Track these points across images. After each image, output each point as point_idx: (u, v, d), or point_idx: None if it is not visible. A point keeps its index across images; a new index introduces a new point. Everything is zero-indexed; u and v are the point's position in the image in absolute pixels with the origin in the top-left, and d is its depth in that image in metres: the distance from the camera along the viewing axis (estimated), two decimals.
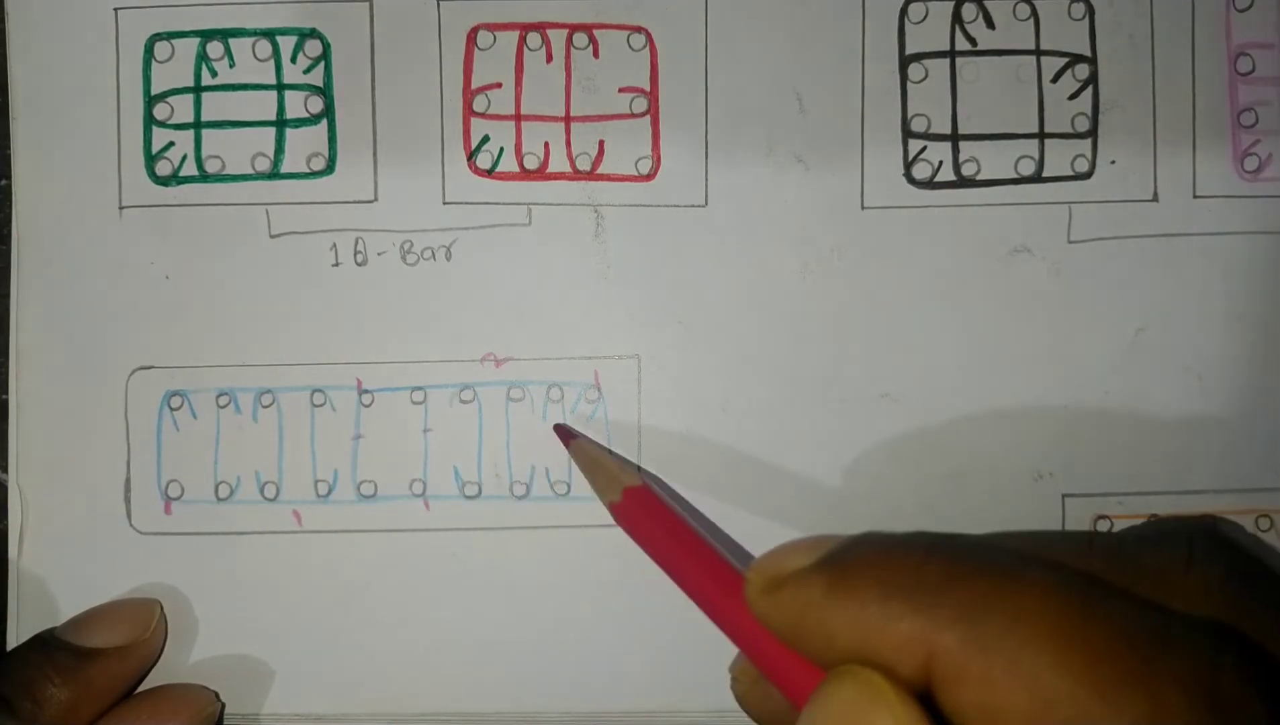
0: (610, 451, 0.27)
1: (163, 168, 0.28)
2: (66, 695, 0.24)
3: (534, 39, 0.28)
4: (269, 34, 0.28)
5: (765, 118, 0.28)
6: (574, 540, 0.28)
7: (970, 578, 0.17)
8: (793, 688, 0.19)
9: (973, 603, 0.16)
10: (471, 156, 0.28)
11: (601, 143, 0.28)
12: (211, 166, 0.28)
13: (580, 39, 0.28)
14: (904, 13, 0.28)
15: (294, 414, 0.28)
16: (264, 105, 0.28)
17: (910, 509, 0.28)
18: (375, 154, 0.28)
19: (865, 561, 0.18)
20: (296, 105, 0.28)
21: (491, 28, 0.28)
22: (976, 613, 0.16)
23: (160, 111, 0.28)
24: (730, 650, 0.21)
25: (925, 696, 0.17)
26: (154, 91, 0.28)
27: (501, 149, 0.28)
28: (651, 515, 0.23)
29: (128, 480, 0.28)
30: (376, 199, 0.28)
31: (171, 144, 0.28)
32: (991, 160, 0.28)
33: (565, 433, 0.27)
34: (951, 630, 0.16)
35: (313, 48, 0.28)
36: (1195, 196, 0.28)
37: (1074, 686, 0.15)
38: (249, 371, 0.28)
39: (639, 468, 0.27)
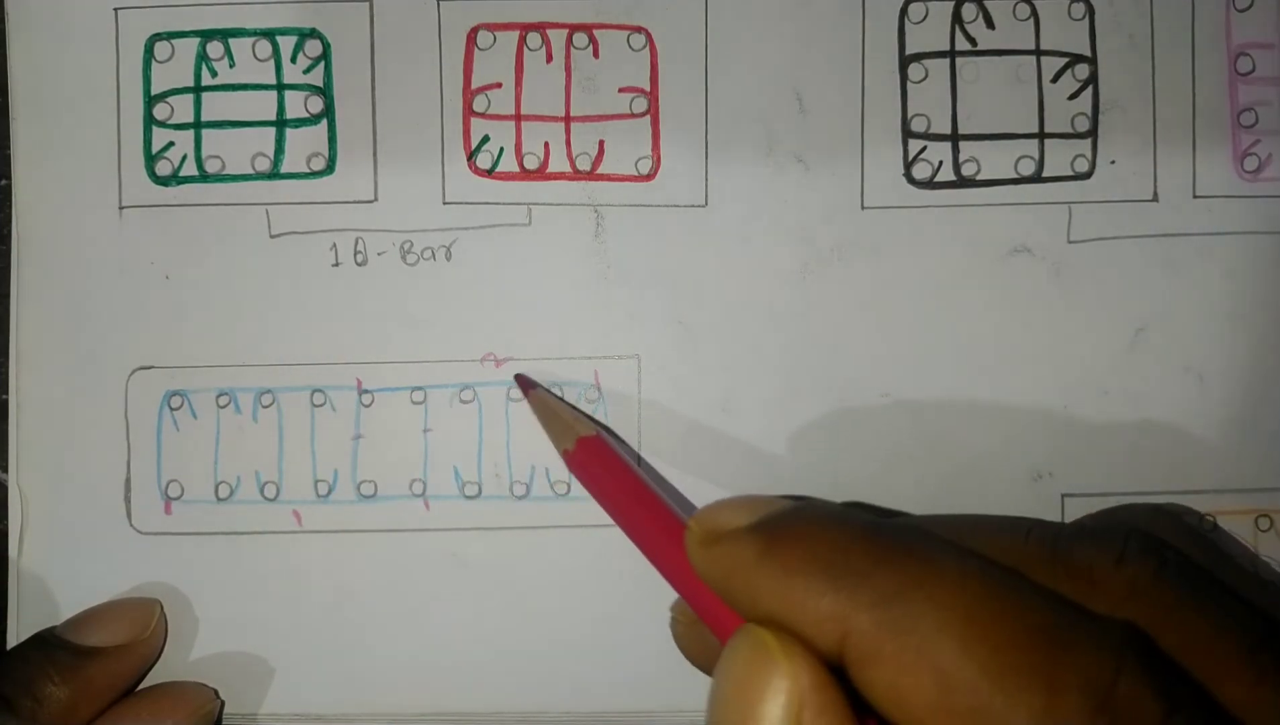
0: (568, 403, 0.27)
1: (163, 168, 0.28)
2: (66, 694, 0.24)
3: (534, 39, 0.28)
4: (269, 34, 0.28)
5: (765, 118, 0.28)
6: (574, 540, 0.28)
7: (892, 562, 0.17)
8: (723, 633, 0.19)
9: (891, 587, 0.17)
10: (471, 156, 0.28)
11: (601, 143, 0.28)
12: (211, 166, 0.28)
13: (580, 39, 0.28)
14: (904, 13, 0.28)
15: (294, 414, 0.28)
16: (264, 105, 0.28)
17: (910, 509, 0.28)
18: (375, 154, 0.28)
19: (797, 533, 0.18)
20: (296, 105, 0.28)
21: (491, 28, 0.28)
22: (893, 597, 0.17)
23: (160, 111, 0.28)
24: None
25: (841, 669, 0.17)
26: (154, 91, 0.28)
27: (501, 149, 0.28)
28: (603, 464, 0.24)
29: (128, 480, 0.28)
30: (376, 199, 0.28)
31: (171, 144, 0.28)
32: (991, 160, 0.28)
33: (525, 382, 0.27)
34: (868, 612, 0.17)
35: (313, 48, 0.28)
36: (1195, 196, 0.28)
37: (977, 676, 0.16)
38: (249, 371, 0.28)
39: (595, 421, 0.27)
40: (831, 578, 0.17)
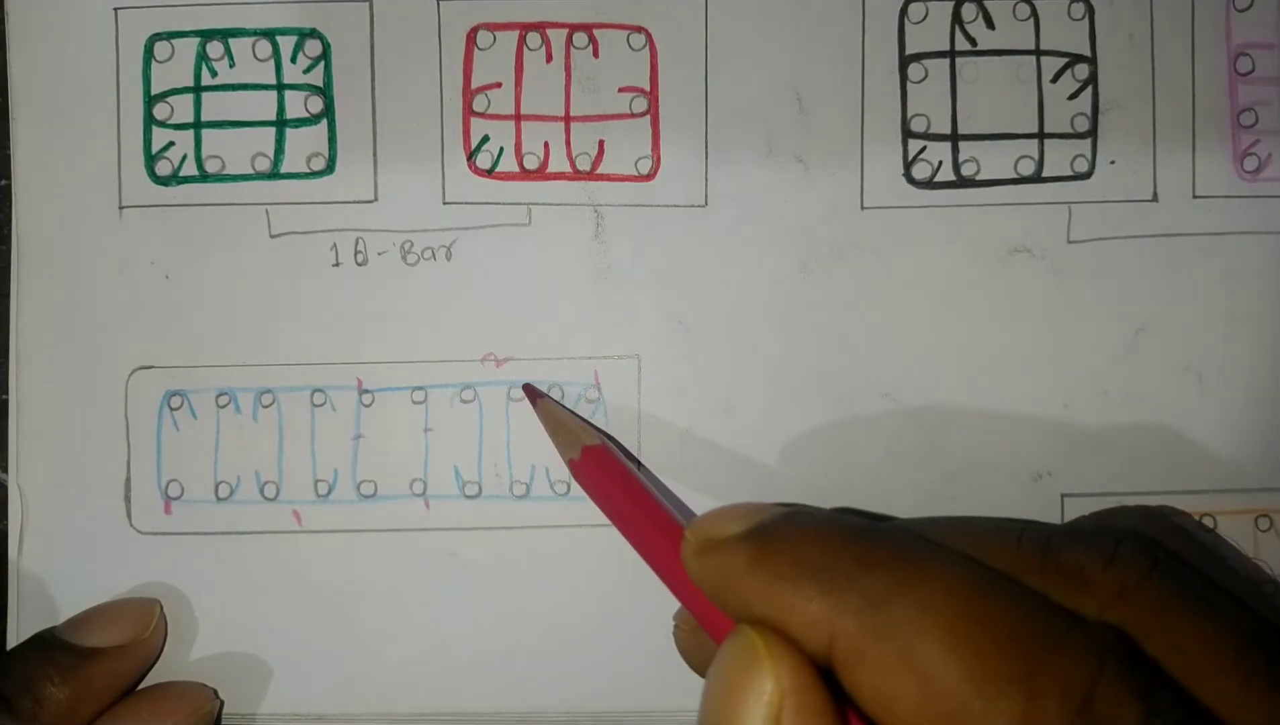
0: (574, 413, 0.28)
1: (163, 167, 0.28)
2: (66, 694, 0.24)
3: (534, 39, 0.28)
4: (269, 34, 0.28)
5: (765, 118, 0.28)
6: (574, 540, 0.28)
7: (878, 566, 0.18)
8: (719, 638, 0.20)
9: (876, 591, 0.17)
10: (471, 156, 0.28)
11: (601, 143, 0.28)
12: (211, 166, 0.28)
13: (580, 39, 0.28)
14: (904, 13, 0.28)
15: (294, 414, 0.28)
16: (264, 105, 0.28)
17: (910, 509, 0.28)
18: (375, 154, 0.28)
19: (786, 539, 0.19)
20: (296, 105, 0.28)
21: (491, 28, 0.28)
22: (878, 601, 0.17)
23: (160, 111, 0.28)
24: None
25: (830, 671, 0.17)
26: (154, 91, 0.28)
27: (501, 149, 0.28)
28: (607, 473, 0.25)
29: (128, 480, 0.28)
30: (376, 199, 0.28)
31: (171, 144, 0.28)
32: (991, 160, 0.28)
33: (532, 392, 0.28)
34: (855, 616, 0.17)
35: (313, 48, 0.28)
36: (1195, 196, 0.28)
37: (959, 681, 0.16)
38: (249, 371, 0.28)
39: (600, 431, 0.28)
40: (819, 582, 0.18)
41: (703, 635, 0.24)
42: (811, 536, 0.18)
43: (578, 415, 0.28)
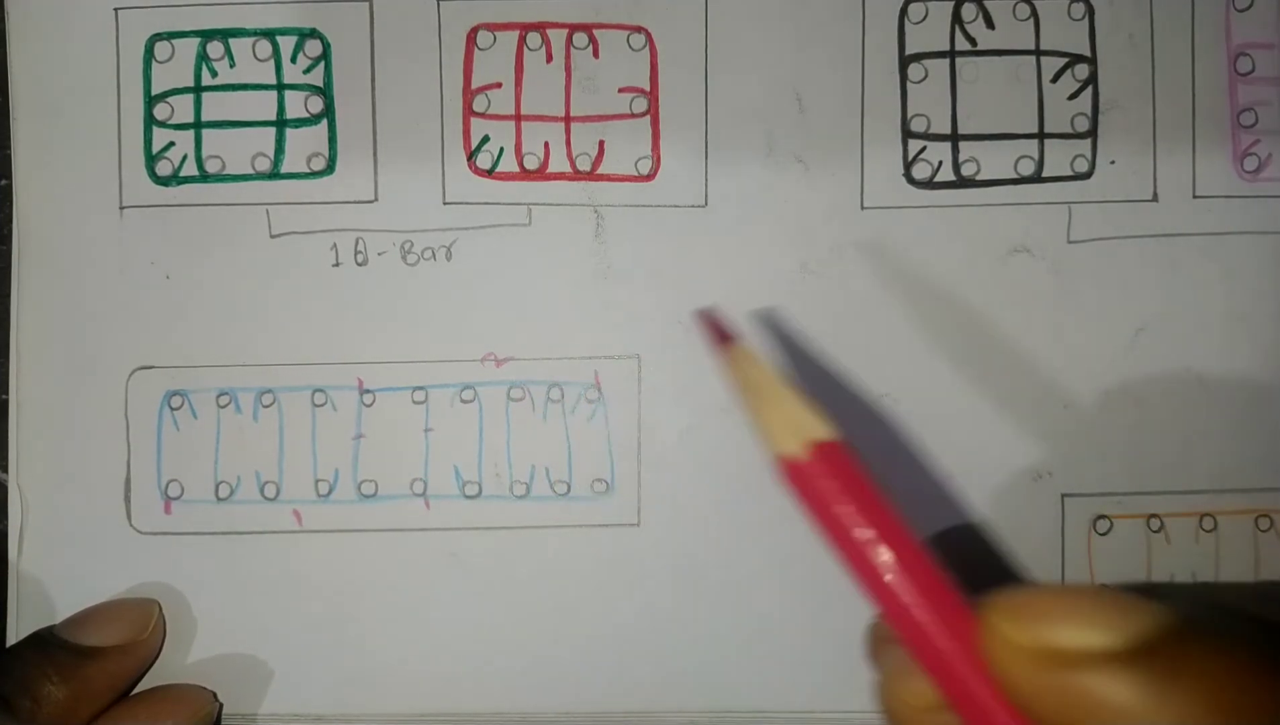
0: (787, 382, 0.19)
1: (163, 168, 0.28)
2: (64, 694, 0.24)
3: (534, 39, 0.28)
4: (269, 34, 0.28)
5: (765, 118, 0.28)
6: (574, 540, 0.28)
7: None
8: None
9: None
10: (471, 156, 0.28)
11: (601, 143, 0.28)
12: (212, 166, 0.28)
13: (580, 39, 0.28)
14: (904, 13, 0.28)
15: (294, 414, 0.28)
16: (264, 105, 0.28)
17: (910, 511, 0.28)
18: (375, 154, 0.28)
19: (1192, 664, 0.15)
20: (296, 105, 0.28)
21: (491, 28, 0.28)
22: None
23: (160, 111, 0.28)
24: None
25: None
26: (154, 91, 0.28)
27: (501, 149, 0.28)
28: (850, 490, 0.17)
29: (128, 480, 0.28)
30: (376, 199, 0.28)
31: (172, 144, 0.28)
32: (991, 160, 0.28)
33: (718, 328, 0.19)
34: None
35: (313, 48, 0.28)
36: (1195, 196, 0.28)
37: None
38: (249, 371, 0.28)
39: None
40: (1229, 717, 0.14)
41: (946, 715, 0.17)
42: (1219, 660, 0.15)
43: (792, 386, 0.19)
